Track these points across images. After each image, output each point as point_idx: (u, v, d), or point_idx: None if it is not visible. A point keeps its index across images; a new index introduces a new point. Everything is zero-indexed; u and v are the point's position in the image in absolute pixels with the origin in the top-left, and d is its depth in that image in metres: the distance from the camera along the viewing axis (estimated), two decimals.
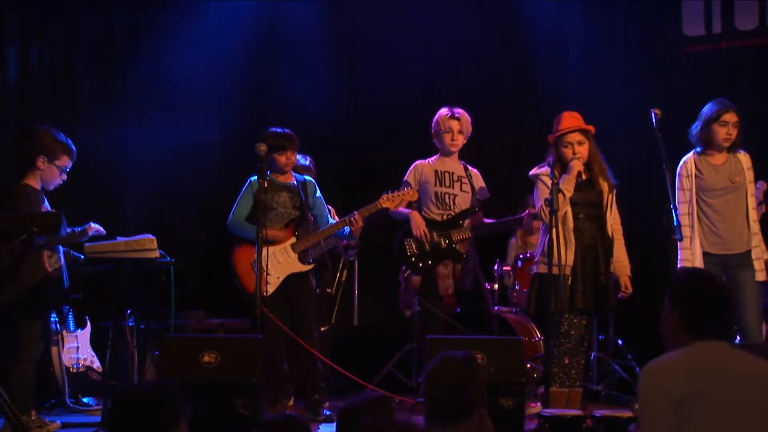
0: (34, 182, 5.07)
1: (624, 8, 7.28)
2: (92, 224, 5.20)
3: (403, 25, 7.41)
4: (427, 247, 5.58)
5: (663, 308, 2.87)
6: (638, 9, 7.24)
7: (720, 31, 7.03)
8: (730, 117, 5.15)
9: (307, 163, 6.06)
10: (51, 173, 5.08)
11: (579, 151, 5.15)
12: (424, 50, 7.36)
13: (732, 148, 5.20)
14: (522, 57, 7.36)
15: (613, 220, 5.23)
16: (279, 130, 5.48)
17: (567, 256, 4.94)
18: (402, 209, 5.65)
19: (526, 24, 7.35)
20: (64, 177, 5.17)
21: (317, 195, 5.60)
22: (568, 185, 5.02)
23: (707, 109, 5.21)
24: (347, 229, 5.48)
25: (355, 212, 5.43)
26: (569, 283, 4.98)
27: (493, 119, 7.17)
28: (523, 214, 5.66)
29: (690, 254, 5.11)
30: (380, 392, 3.23)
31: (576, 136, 5.16)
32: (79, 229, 5.14)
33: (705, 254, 5.14)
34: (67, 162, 5.12)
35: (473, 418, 3.02)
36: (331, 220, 5.61)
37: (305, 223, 5.50)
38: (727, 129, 5.14)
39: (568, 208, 5.06)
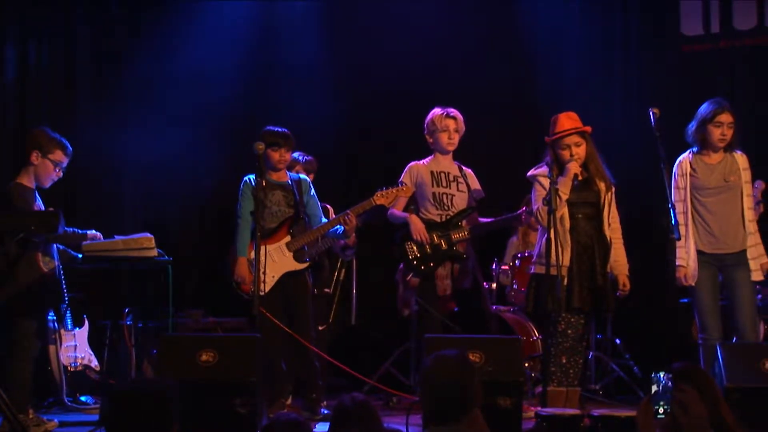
0: (27, 181, 5.07)
1: (622, 8, 7.29)
2: (94, 231, 5.21)
3: (400, 25, 7.41)
4: (428, 250, 5.58)
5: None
6: (637, 9, 7.25)
7: (718, 31, 7.05)
8: (725, 117, 5.14)
9: (302, 160, 6.06)
10: (45, 168, 5.08)
11: (576, 152, 5.14)
12: (422, 49, 7.36)
13: (728, 148, 5.19)
14: (521, 56, 7.36)
15: (612, 220, 5.23)
16: (276, 128, 5.49)
17: (563, 256, 4.94)
18: (399, 212, 5.64)
19: (525, 23, 7.35)
20: (60, 174, 5.15)
21: (311, 194, 5.59)
22: (564, 188, 5.02)
23: (702, 109, 5.21)
24: (341, 228, 5.47)
25: (349, 210, 5.43)
26: (566, 283, 4.98)
27: (491, 119, 7.17)
28: (520, 211, 5.65)
29: (685, 253, 5.11)
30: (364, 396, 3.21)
31: (573, 138, 5.15)
32: (81, 232, 5.15)
33: (700, 253, 5.14)
34: (61, 157, 5.11)
35: (470, 416, 3.02)
36: (324, 220, 5.61)
37: (300, 222, 5.50)
38: (721, 129, 5.13)
39: (565, 210, 5.06)
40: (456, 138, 5.66)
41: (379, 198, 5.44)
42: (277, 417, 3.04)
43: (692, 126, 5.22)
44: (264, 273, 5.22)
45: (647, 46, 7.21)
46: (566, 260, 4.99)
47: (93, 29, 7.28)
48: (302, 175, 5.67)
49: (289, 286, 5.42)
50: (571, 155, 5.13)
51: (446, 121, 5.63)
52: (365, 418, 3.03)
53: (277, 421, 2.93)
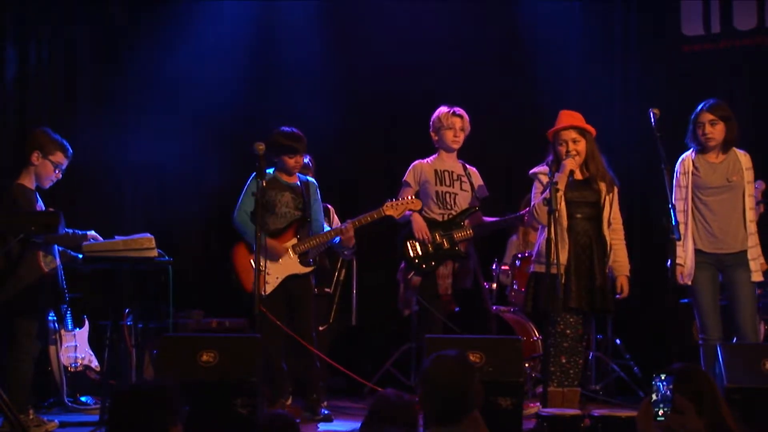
0: (28, 182, 5.08)
1: (623, 8, 7.29)
2: (93, 232, 5.22)
3: (402, 25, 7.41)
4: (430, 249, 5.57)
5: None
6: (637, 9, 7.25)
7: (719, 31, 7.05)
8: (704, 117, 5.15)
9: (306, 161, 6.06)
10: (45, 169, 5.09)
11: (573, 148, 5.14)
12: (424, 50, 7.36)
13: (727, 147, 5.17)
14: (521, 56, 7.36)
15: (614, 220, 5.22)
16: (288, 129, 5.46)
17: (561, 255, 4.93)
18: None
19: (526, 23, 7.35)
20: (59, 175, 5.17)
21: (317, 197, 5.58)
22: (559, 184, 5.01)
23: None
24: (338, 237, 5.47)
25: (348, 221, 5.43)
26: (563, 282, 4.97)
27: (492, 119, 7.17)
28: (523, 212, 5.66)
29: (683, 251, 5.11)
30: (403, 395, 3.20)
31: (570, 134, 5.15)
32: (80, 233, 5.16)
33: (700, 252, 5.13)
34: (61, 158, 5.13)
35: (470, 417, 3.02)
36: (326, 227, 5.61)
37: (307, 225, 5.49)
38: (702, 129, 5.14)
39: (562, 207, 5.05)
40: (461, 137, 5.66)
41: (388, 209, 5.44)
42: (266, 414, 3.04)
43: (688, 129, 5.25)
44: (267, 273, 5.24)
45: (647, 46, 7.21)
46: (564, 259, 4.99)
47: (93, 29, 7.27)
48: (310, 178, 5.67)
49: (293, 288, 5.41)
50: (568, 151, 5.13)
51: (452, 119, 5.63)
52: (405, 417, 3.01)
53: (266, 419, 2.94)
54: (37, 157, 5.07)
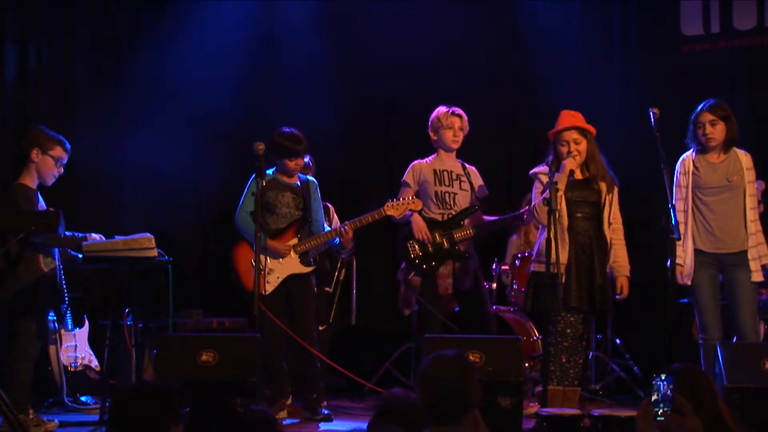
0: (29, 181, 5.08)
1: (622, 8, 7.29)
2: (93, 234, 5.22)
3: (401, 26, 7.41)
4: (430, 249, 5.57)
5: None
6: (636, 9, 7.25)
7: (718, 31, 7.05)
8: (704, 117, 5.14)
9: (307, 160, 6.06)
10: (46, 164, 5.10)
11: (575, 149, 5.14)
12: (424, 50, 7.36)
13: (728, 147, 5.17)
14: (521, 56, 7.36)
15: (614, 220, 5.23)
16: (288, 131, 5.45)
17: (561, 254, 4.93)
18: None
19: (525, 23, 7.35)
20: (61, 170, 5.18)
21: (317, 196, 5.58)
22: (559, 183, 5.02)
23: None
24: (337, 238, 5.48)
25: (347, 222, 5.43)
26: (563, 281, 4.97)
27: (492, 119, 7.17)
28: (523, 210, 5.66)
29: (682, 251, 5.11)
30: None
31: (572, 134, 5.16)
32: (80, 235, 5.16)
33: (700, 252, 5.14)
34: (60, 152, 5.13)
35: (469, 416, 3.02)
36: (327, 227, 5.61)
37: (307, 225, 5.49)
38: (702, 130, 5.14)
39: (562, 207, 5.05)
40: (461, 136, 5.67)
41: (389, 209, 5.45)
42: (247, 411, 3.04)
43: (688, 129, 5.25)
44: (268, 273, 5.24)
45: (647, 46, 7.21)
46: (564, 258, 4.99)
47: (93, 29, 7.27)
48: (310, 177, 5.67)
49: (294, 287, 5.42)
50: (570, 151, 5.14)
51: (452, 119, 5.63)
52: (413, 417, 3.01)
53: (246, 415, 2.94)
54: (36, 154, 5.07)
